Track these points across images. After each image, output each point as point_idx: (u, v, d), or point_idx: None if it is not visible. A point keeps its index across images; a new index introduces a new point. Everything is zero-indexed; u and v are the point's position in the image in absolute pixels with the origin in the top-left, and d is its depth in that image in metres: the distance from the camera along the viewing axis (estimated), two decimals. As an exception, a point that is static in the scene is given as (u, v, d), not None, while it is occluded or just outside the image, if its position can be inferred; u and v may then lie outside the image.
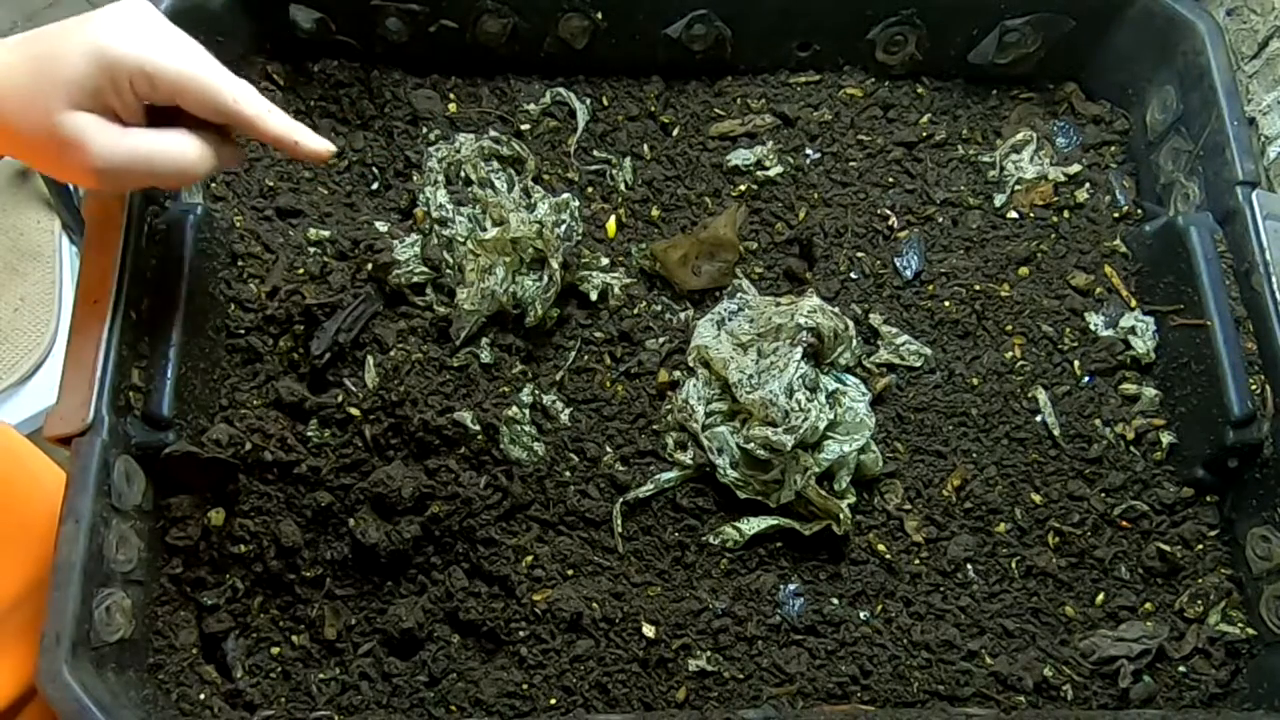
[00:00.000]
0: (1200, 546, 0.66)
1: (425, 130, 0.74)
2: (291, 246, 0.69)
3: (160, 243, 0.63)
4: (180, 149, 0.54)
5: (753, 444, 0.63)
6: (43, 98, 0.51)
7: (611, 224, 0.73)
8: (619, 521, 0.64)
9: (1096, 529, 0.66)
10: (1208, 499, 0.67)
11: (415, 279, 0.67)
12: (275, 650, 0.62)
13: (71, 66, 0.51)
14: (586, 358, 0.69)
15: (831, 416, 0.63)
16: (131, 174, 0.53)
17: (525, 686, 0.61)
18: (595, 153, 0.75)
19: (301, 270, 0.67)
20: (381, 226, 0.70)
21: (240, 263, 0.68)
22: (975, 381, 0.69)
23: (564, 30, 0.75)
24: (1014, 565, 0.65)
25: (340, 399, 0.63)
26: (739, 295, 0.70)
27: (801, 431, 0.62)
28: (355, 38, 0.74)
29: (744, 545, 0.64)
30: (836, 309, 0.68)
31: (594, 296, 0.69)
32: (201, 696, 0.60)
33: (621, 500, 0.65)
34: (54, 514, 0.55)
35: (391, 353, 0.65)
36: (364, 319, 0.66)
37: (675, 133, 0.77)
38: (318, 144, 0.56)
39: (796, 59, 0.79)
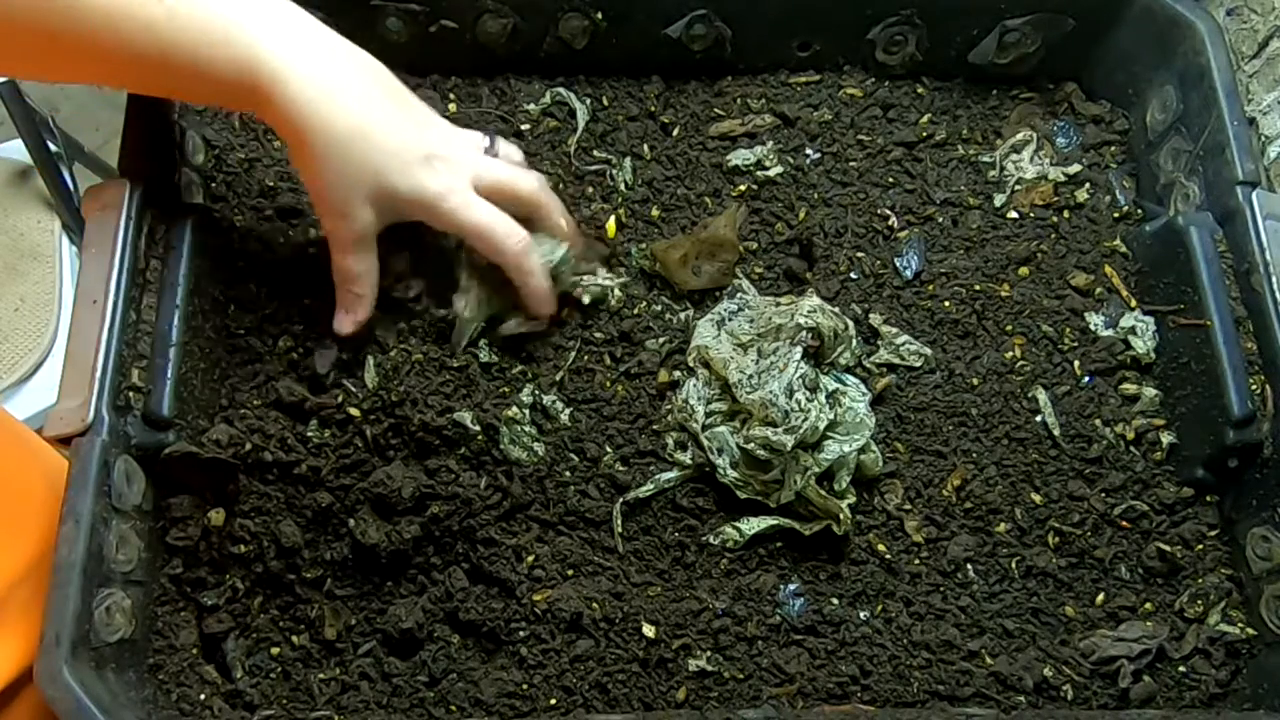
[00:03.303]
0: (1200, 546, 0.66)
1: (425, 130, 0.74)
2: (292, 246, 0.69)
3: (160, 243, 0.63)
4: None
5: (753, 444, 0.63)
6: (361, 173, 0.58)
7: (611, 224, 0.73)
8: (619, 521, 0.64)
9: (1096, 529, 0.66)
10: (1208, 499, 0.67)
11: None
12: (275, 650, 0.62)
13: (401, 181, 0.59)
14: (586, 358, 0.69)
15: (831, 416, 0.63)
16: (361, 261, 0.62)
17: (525, 686, 0.61)
18: (595, 153, 0.75)
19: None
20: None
21: (240, 263, 0.68)
22: (975, 381, 0.69)
23: (564, 30, 0.75)
24: (1014, 565, 0.65)
25: (340, 399, 0.63)
26: (739, 295, 0.70)
27: (801, 431, 0.62)
28: (355, 38, 0.74)
29: (744, 545, 0.64)
30: (836, 309, 0.68)
31: (586, 300, 0.69)
32: (201, 696, 0.60)
33: (621, 500, 0.65)
34: (54, 492, 0.55)
35: (391, 353, 0.65)
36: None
37: (675, 133, 0.77)
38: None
39: (796, 59, 0.79)
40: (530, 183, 0.65)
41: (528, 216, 0.65)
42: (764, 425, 0.63)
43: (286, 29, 0.57)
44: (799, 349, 0.64)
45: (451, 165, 0.61)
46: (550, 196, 0.66)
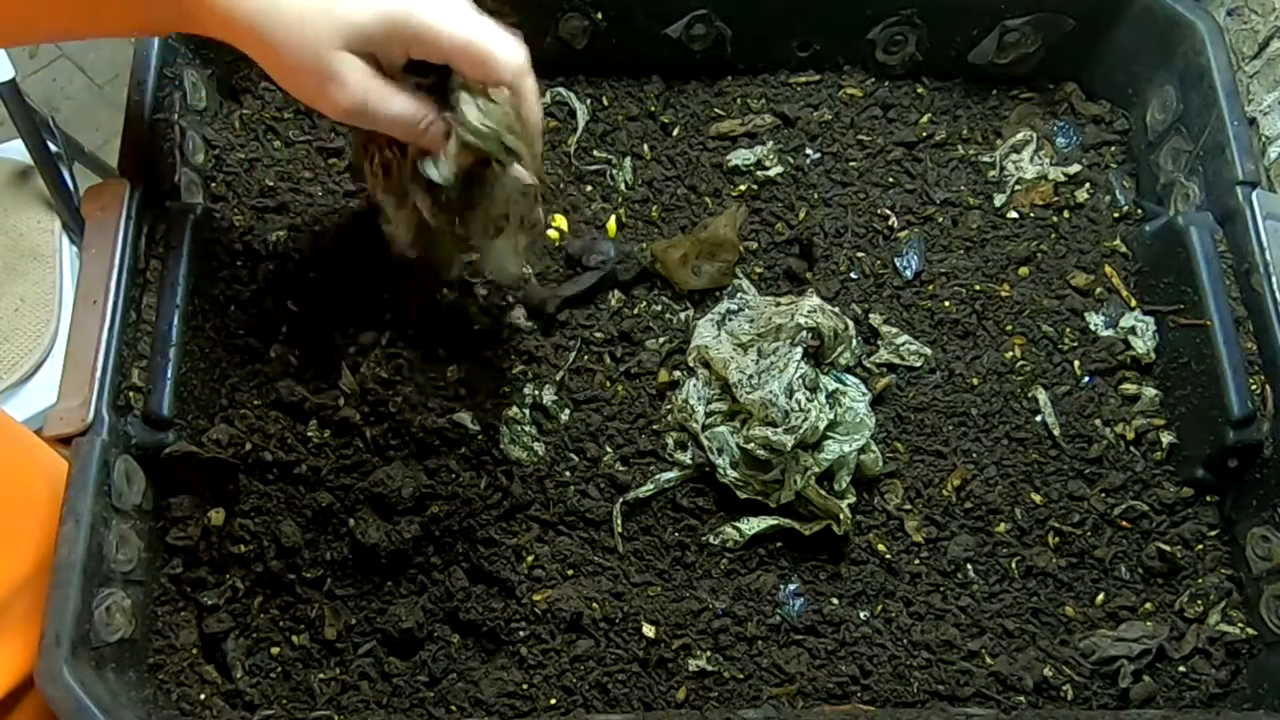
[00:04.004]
0: (1200, 546, 0.66)
1: (425, 130, 0.74)
2: (292, 246, 0.69)
3: (160, 243, 0.63)
4: (429, 126, 0.55)
5: (753, 444, 0.63)
6: (317, 28, 0.51)
7: (611, 224, 0.73)
8: (619, 521, 0.64)
9: (1096, 529, 0.66)
10: (1208, 499, 0.67)
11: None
12: (275, 650, 0.62)
13: (359, 9, 0.52)
14: (586, 358, 0.69)
15: (831, 416, 0.64)
16: (377, 125, 0.54)
17: (525, 686, 0.61)
18: (595, 153, 0.75)
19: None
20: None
21: (240, 263, 0.68)
22: (975, 381, 0.69)
23: (564, 30, 0.75)
24: (1014, 565, 0.65)
25: (340, 400, 0.63)
26: (739, 295, 0.70)
27: (801, 431, 0.62)
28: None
29: (744, 545, 0.64)
30: (836, 309, 0.68)
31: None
32: (201, 696, 0.60)
33: (621, 500, 0.65)
34: (56, 498, 0.55)
35: (392, 351, 0.65)
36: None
37: (675, 133, 0.77)
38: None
39: (796, 59, 0.79)
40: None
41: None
42: (764, 425, 0.63)
43: None
44: (799, 349, 0.64)
45: None
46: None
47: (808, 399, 0.63)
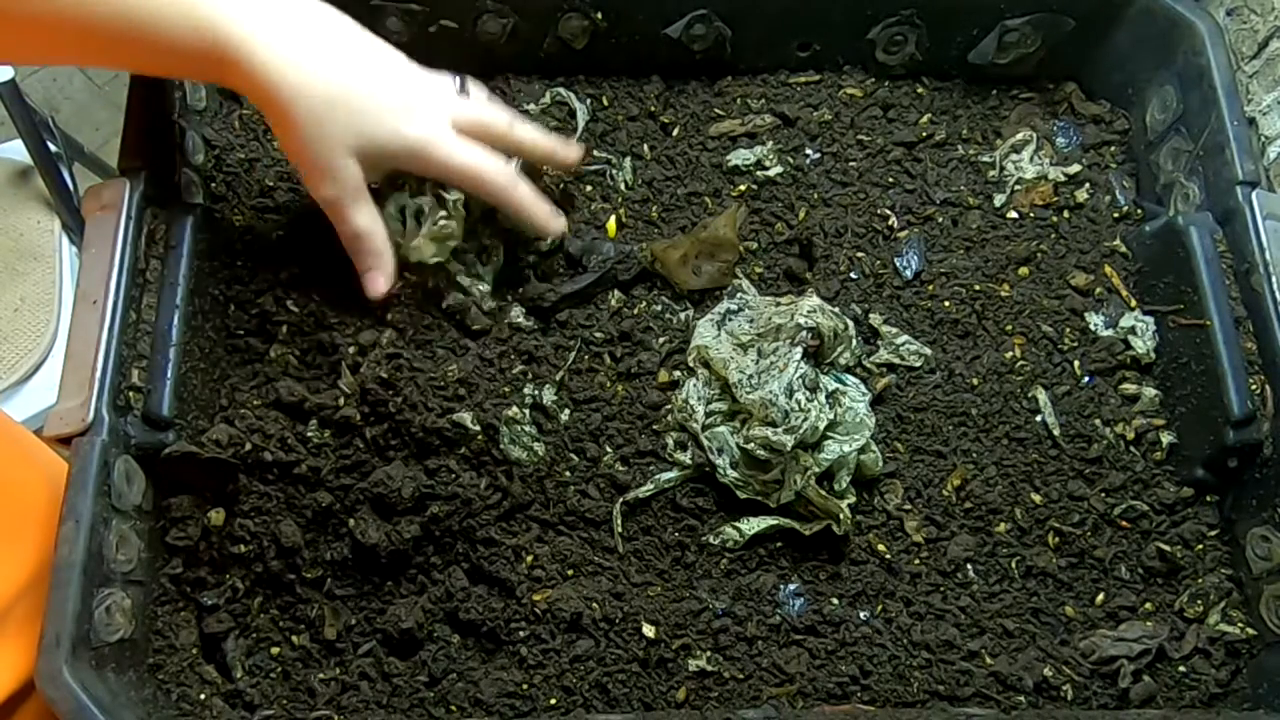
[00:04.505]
0: (1200, 546, 0.66)
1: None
2: (291, 246, 0.69)
3: (160, 243, 0.63)
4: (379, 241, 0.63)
5: (753, 444, 0.63)
6: (336, 129, 0.57)
7: (611, 224, 0.73)
8: (619, 521, 0.64)
9: (1096, 529, 0.66)
10: (1208, 499, 0.67)
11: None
12: (275, 650, 0.62)
13: (383, 132, 0.58)
14: (586, 358, 0.69)
15: (831, 416, 0.64)
16: (339, 223, 0.62)
17: (525, 686, 0.61)
18: (595, 153, 0.75)
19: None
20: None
21: (240, 263, 0.68)
22: (975, 381, 0.69)
23: (564, 30, 0.75)
24: (1014, 565, 0.65)
25: (340, 400, 0.63)
26: (739, 295, 0.70)
27: (801, 431, 0.62)
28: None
29: (744, 545, 0.65)
30: (836, 309, 0.68)
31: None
32: (201, 696, 0.60)
33: (621, 500, 0.65)
34: (57, 503, 0.55)
35: (393, 350, 0.65)
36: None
37: (675, 133, 0.77)
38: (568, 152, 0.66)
39: (796, 59, 0.79)
40: (503, 117, 0.65)
41: (506, 150, 0.65)
42: (764, 425, 0.63)
43: None
44: (799, 349, 0.64)
45: (429, 111, 0.61)
46: (524, 126, 0.66)
47: (808, 399, 0.63)
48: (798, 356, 0.64)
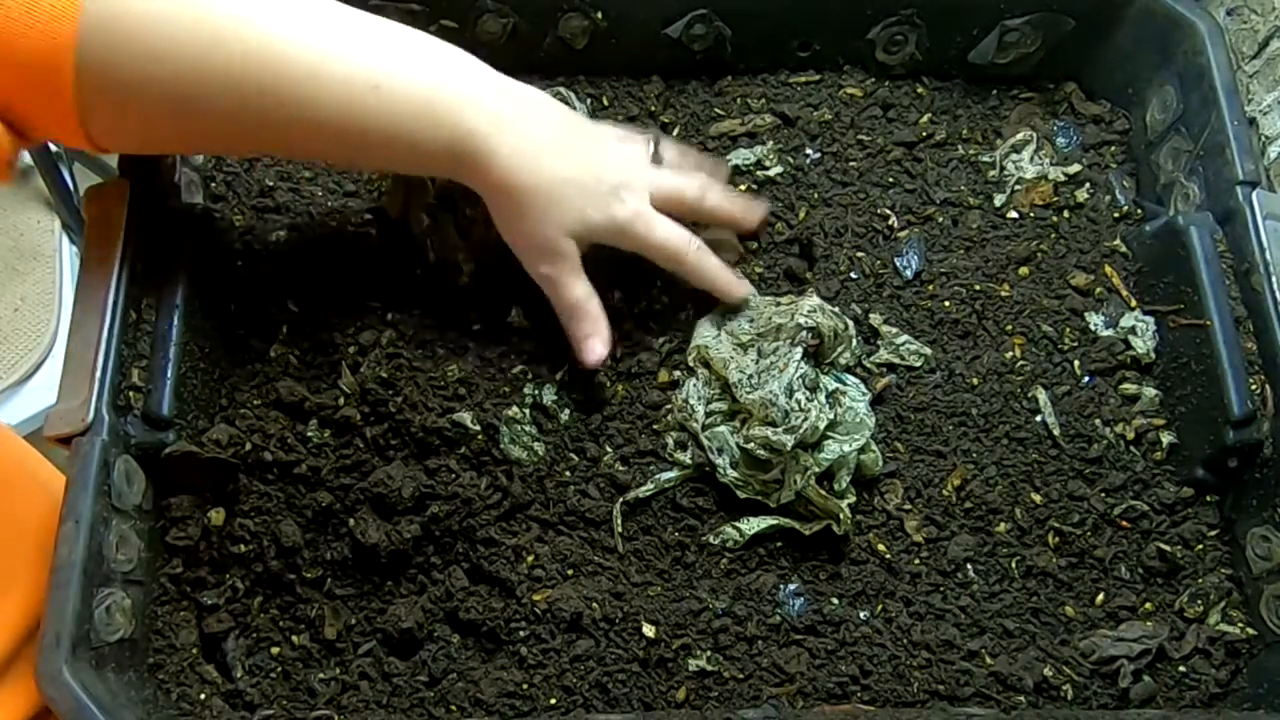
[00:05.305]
0: (1200, 546, 0.66)
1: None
2: (291, 246, 0.69)
3: (160, 242, 0.63)
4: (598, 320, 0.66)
5: (753, 444, 0.63)
6: (561, 217, 0.62)
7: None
8: (619, 521, 0.64)
9: (1096, 529, 0.66)
10: (1208, 499, 0.67)
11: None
12: (275, 650, 0.62)
13: (596, 212, 0.62)
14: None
15: (831, 416, 0.63)
16: (556, 298, 0.65)
17: (525, 686, 0.61)
18: (595, 153, 0.75)
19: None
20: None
21: (240, 263, 0.68)
22: (975, 381, 0.69)
23: (564, 30, 0.75)
24: (1014, 565, 0.65)
25: (340, 400, 0.63)
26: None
27: (801, 431, 0.62)
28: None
29: (744, 545, 0.64)
30: (836, 309, 0.68)
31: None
32: (201, 696, 0.60)
33: (621, 500, 0.65)
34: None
35: (391, 351, 0.65)
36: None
37: (675, 133, 0.77)
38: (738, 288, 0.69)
39: (796, 59, 0.79)
40: (694, 186, 0.67)
41: (698, 219, 0.69)
42: (764, 425, 0.63)
43: (485, 97, 0.60)
44: (799, 349, 0.64)
45: (633, 190, 0.64)
46: (715, 193, 0.69)
47: (808, 399, 0.63)
48: (798, 356, 0.64)
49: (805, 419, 0.62)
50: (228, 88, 0.54)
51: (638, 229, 0.64)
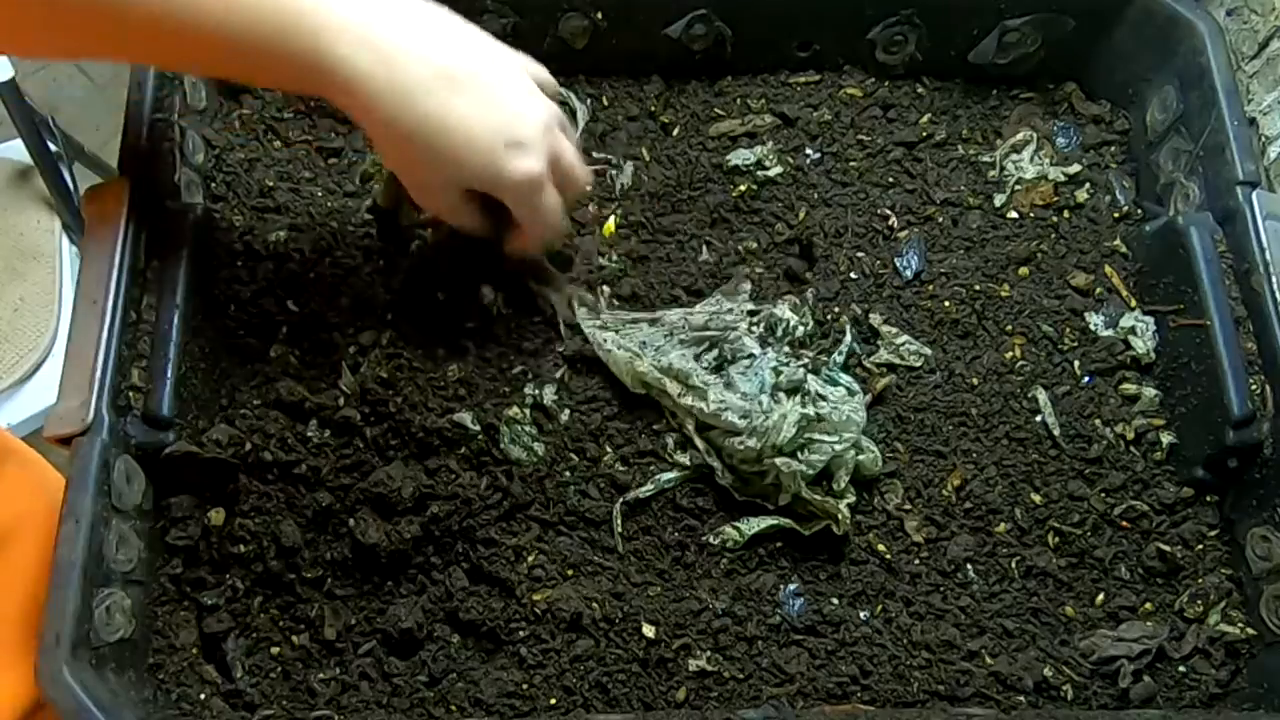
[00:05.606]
0: (1200, 546, 0.66)
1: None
2: (291, 246, 0.69)
3: (160, 242, 0.63)
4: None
5: (731, 457, 0.63)
6: (440, 167, 0.58)
7: (610, 224, 0.73)
8: (619, 521, 0.64)
9: (1096, 529, 0.66)
10: (1208, 499, 0.67)
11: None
12: (275, 650, 0.62)
13: (486, 174, 0.59)
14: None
15: (809, 414, 0.63)
16: (452, 222, 0.64)
17: (525, 686, 0.61)
18: (595, 153, 0.75)
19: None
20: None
21: (240, 263, 0.68)
22: (975, 381, 0.69)
23: (564, 30, 0.75)
24: (1014, 565, 0.65)
25: (340, 400, 0.63)
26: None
27: (767, 433, 0.62)
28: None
29: (744, 545, 0.64)
30: (751, 304, 0.68)
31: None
32: (201, 696, 0.60)
33: (621, 500, 0.65)
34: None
35: (391, 351, 0.65)
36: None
37: (675, 133, 0.77)
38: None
39: (796, 59, 0.79)
40: (582, 177, 0.64)
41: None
42: (728, 435, 0.63)
43: (358, 20, 0.55)
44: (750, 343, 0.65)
45: (529, 151, 0.59)
46: (584, 186, 0.66)
47: (771, 400, 0.63)
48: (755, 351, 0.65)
49: (767, 419, 0.62)
50: None
51: (523, 196, 0.60)
